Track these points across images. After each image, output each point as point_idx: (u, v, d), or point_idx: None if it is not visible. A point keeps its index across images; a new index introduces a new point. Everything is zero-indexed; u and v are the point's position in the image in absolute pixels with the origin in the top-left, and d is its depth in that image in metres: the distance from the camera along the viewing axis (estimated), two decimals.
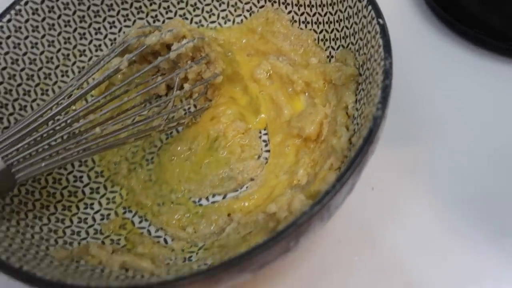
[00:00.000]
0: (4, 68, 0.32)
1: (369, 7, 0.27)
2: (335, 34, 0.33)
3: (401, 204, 0.32)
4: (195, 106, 0.37)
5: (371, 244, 0.31)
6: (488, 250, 0.30)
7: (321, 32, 0.34)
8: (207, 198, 0.33)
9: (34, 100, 0.34)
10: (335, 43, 0.33)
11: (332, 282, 0.30)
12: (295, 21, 0.36)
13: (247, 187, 0.33)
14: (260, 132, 0.35)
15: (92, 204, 0.33)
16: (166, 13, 0.39)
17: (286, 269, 0.30)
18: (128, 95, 0.33)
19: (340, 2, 0.31)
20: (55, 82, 0.35)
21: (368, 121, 0.23)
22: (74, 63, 0.36)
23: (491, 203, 0.31)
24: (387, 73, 0.24)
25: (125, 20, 0.38)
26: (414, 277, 0.29)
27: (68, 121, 0.30)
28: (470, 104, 0.35)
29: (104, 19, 0.37)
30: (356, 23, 0.29)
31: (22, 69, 0.33)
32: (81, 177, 0.34)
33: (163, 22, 0.39)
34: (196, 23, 0.40)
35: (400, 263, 0.30)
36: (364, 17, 0.28)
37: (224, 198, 0.33)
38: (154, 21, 0.38)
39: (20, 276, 0.20)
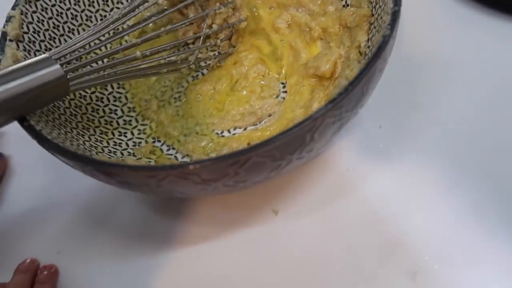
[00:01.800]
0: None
1: None
2: None
3: (407, 140, 0.35)
4: (219, 53, 0.41)
5: (378, 173, 0.34)
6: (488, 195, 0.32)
7: None
8: (228, 131, 0.37)
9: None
10: None
11: (339, 206, 0.33)
12: None
13: (265, 122, 0.36)
14: (279, 75, 0.39)
15: (125, 133, 0.37)
16: None
17: (304, 189, 0.34)
18: (160, 42, 0.37)
19: None
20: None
21: (378, 42, 0.26)
22: (111, 9, 0.40)
23: (490, 144, 0.34)
24: (397, 1, 0.27)
25: None
26: (417, 201, 0.32)
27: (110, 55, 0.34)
28: (473, 54, 0.38)
29: None
30: None
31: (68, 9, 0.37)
32: (115, 110, 0.38)
33: None
34: None
35: (403, 192, 0.33)
36: None
37: (244, 130, 0.36)
38: None
39: (79, 158, 0.24)
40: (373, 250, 0.31)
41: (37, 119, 0.28)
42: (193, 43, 0.41)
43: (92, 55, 0.31)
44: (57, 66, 0.27)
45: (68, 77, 0.27)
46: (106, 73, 0.30)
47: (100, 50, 0.35)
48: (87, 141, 0.33)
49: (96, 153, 0.32)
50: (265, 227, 0.33)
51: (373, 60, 0.24)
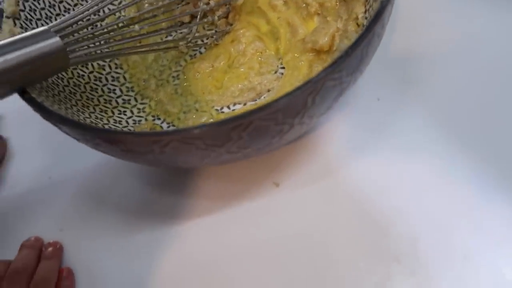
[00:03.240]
0: None
1: None
2: None
3: (403, 114, 0.36)
4: (216, 31, 0.41)
5: (374, 146, 0.34)
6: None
7: None
8: (228, 107, 0.37)
9: None
10: None
11: (336, 178, 0.33)
12: None
13: (264, 97, 0.37)
14: (277, 52, 0.39)
15: (125, 111, 0.37)
16: None
17: (303, 163, 0.34)
18: (156, 19, 0.37)
19: None
20: None
21: (376, 8, 0.26)
22: None
23: (485, 118, 0.34)
24: None
25: None
26: (417, 173, 0.33)
27: (108, 29, 0.34)
28: (467, 30, 0.38)
29: None
30: None
31: None
32: (114, 89, 0.38)
33: None
34: None
35: (397, 164, 0.33)
36: None
37: (244, 105, 0.37)
38: None
39: (86, 127, 0.24)
40: (372, 222, 0.31)
41: (37, 94, 0.28)
42: (189, 22, 0.41)
43: (91, 29, 0.31)
44: (57, 38, 0.27)
45: (67, 49, 0.27)
46: (105, 47, 0.30)
47: (100, 24, 0.35)
48: (87, 118, 0.33)
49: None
50: (267, 200, 0.33)
51: (372, 24, 0.25)
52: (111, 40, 0.31)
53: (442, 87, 0.36)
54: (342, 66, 0.24)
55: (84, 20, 0.29)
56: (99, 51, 0.30)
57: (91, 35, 0.29)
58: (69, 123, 0.24)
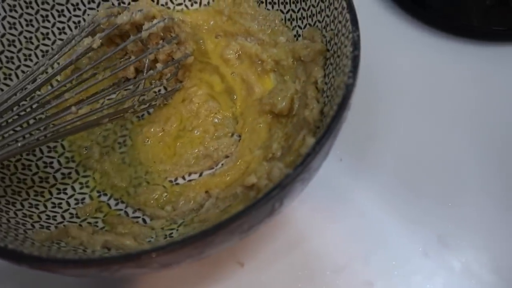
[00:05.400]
0: None
1: None
2: (301, 13, 0.34)
3: (367, 172, 0.34)
4: (165, 88, 0.37)
5: (343, 212, 0.33)
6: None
7: (287, 12, 0.35)
8: (183, 177, 0.34)
9: None
10: (302, 22, 0.34)
11: (309, 246, 0.32)
12: (262, 2, 0.37)
13: (222, 164, 0.34)
14: (233, 112, 0.36)
15: (65, 189, 0.33)
16: None
17: (267, 238, 0.32)
18: (95, 78, 0.33)
19: None
20: (18, 66, 0.34)
21: (341, 89, 0.25)
22: (37, 47, 0.35)
23: (447, 167, 0.34)
24: (356, 45, 0.25)
25: (89, 2, 0.37)
26: (384, 235, 0.32)
27: (34, 107, 0.30)
28: (420, 75, 0.38)
29: (67, 1, 0.36)
30: (322, 1, 0.31)
31: None
32: (51, 162, 0.34)
33: (129, 4, 0.38)
34: (162, 5, 0.40)
35: (366, 225, 0.32)
36: None
37: (200, 176, 0.34)
38: (119, 3, 0.38)
39: (8, 254, 0.20)
40: None
41: None
42: (134, 77, 0.38)
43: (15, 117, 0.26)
44: None
45: None
46: (36, 137, 0.25)
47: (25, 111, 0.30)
48: (19, 209, 0.28)
49: (32, 225, 0.28)
50: (233, 281, 0.31)
51: (338, 113, 0.23)
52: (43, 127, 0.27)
53: (402, 139, 0.36)
54: (311, 165, 0.22)
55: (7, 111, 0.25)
56: (28, 143, 0.25)
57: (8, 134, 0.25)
58: None
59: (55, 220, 0.30)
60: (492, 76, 0.38)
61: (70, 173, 0.34)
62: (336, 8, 0.29)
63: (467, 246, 0.31)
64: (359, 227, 0.32)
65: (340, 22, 0.28)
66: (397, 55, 0.39)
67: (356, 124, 0.36)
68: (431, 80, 0.38)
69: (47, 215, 0.30)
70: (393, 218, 0.32)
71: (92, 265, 0.19)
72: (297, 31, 0.35)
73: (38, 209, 0.30)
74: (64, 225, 0.29)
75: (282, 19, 0.36)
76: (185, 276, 0.31)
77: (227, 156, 0.34)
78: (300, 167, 0.21)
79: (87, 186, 0.33)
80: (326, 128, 0.22)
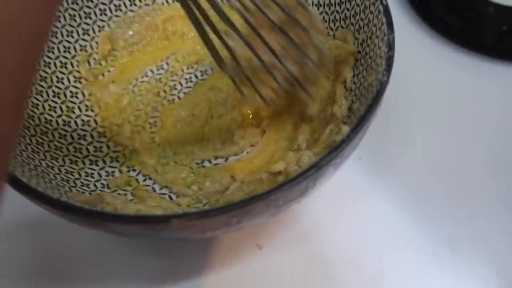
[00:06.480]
0: None
1: None
2: (335, 16, 0.36)
3: (383, 172, 0.36)
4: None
5: (358, 208, 0.35)
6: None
7: (321, 13, 0.37)
8: (209, 161, 0.35)
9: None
10: (334, 24, 0.36)
11: (323, 237, 0.33)
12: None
13: (247, 152, 0.36)
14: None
15: (96, 161, 0.34)
16: None
17: (285, 225, 0.33)
18: None
19: None
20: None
21: (374, 86, 0.26)
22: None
23: (461, 173, 0.36)
24: (391, 46, 0.27)
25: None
26: (397, 233, 0.33)
27: None
28: (443, 88, 0.40)
29: None
30: (358, 5, 0.33)
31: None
32: (84, 135, 0.35)
33: None
34: None
35: (380, 222, 0.34)
36: None
37: (226, 160, 0.35)
38: None
39: (61, 206, 0.22)
40: (353, 284, 0.31)
41: None
42: None
43: None
44: None
45: None
46: None
47: None
48: (58, 173, 0.30)
49: (69, 188, 0.29)
50: (251, 262, 0.32)
51: (372, 106, 0.25)
52: None
53: (419, 145, 0.37)
54: (345, 150, 0.24)
55: None
56: None
57: None
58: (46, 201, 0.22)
59: (89, 187, 0.31)
60: (506, 93, 0.40)
61: (101, 147, 0.35)
62: (372, 12, 0.31)
63: (477, 250, 0.32)
64: (372, 223, 0.34)
65: (375, 25, 0.30)
66: (418, 65, 0.41)
67: (376, 127, 0.38)
68: (448, 91, 0.40)
69: (81, 182, 0.31)
70: (406, 217, 0.34)
71: (141, 221, 0.21)
72: (328, 32, 0.37)
73: (73, 175, 0.31)
74: (97, 193, 0.31)
75: None
76: (205, 257, 0.33)
77: (252, 145, 0.36)
78: (335, 152, 0.23)
79: (117, 161, 0.35)
80: (360, 118, 0.24)
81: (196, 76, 0.40)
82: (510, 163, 0.36)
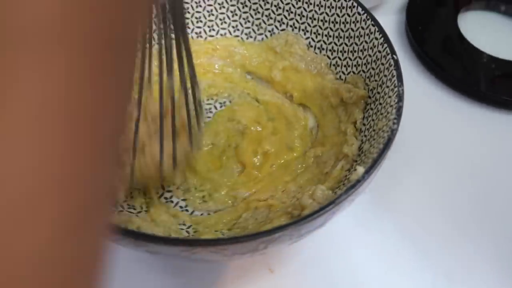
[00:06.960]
0: None
1: (385, 45, 0.34)
2: (347, 62, 0.40)
3: (388, 207, 0.39)
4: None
5: (364, 238, 0.38)
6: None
7: (334, 58, 0.41)
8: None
9: None
10: (346, 69, 0.40)
11: (332, 261, 0.36)
12: (311, 46, 0.43)
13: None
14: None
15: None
16: None
17: (296, 250, 0.36)
18: None
19: (357, 36, 0.38)
20: None
21: (385, 132, 0.30)
22: None
23: (459, 214, 0.39)
24: (400, 97, 0.31)
25: None
26: (400, 264, 0.36)
27: None
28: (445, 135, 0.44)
29: None
30: (370, 56, 0.36)
31: None
32: None
33: None
34: (221, 35, 0.45)
35: (384, 252, 0.37)
36: (379, 52, 0.35)
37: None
38: None
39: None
40: None
41: None
42: None
43: None
44: None
45: None
46: None
47: None
48: None
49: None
50: (262, 285, 0.35)
51: (384, 151, 0.28)
52: None
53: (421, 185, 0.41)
54: (359, 190, 0.27)
55: None
56: None
57: None
58: None
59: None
60: (501, 141, 0.43)
61: None
62: (383, 64, 0.34)
63: (472, 281, 0.35)
64: (377, 253, 0.37)
65: (385, 76, 0.34)
66: (422, 111, 0.45)
67: (383, 165, 0.41)
68: (448, 135, 0.44)
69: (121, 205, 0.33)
70: (407, 249, 0.37)
71: (178, 244, 0.24)
72: (340, 76, 0.41)
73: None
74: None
75: (328, 64, 0.42)
76: (218, 276, 0.35)
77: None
78: (352, 189, 0.26)
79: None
80: (373, 162, 0.28)
81: (215, 107, 0.43)
82: (500, 206, 0.39)
